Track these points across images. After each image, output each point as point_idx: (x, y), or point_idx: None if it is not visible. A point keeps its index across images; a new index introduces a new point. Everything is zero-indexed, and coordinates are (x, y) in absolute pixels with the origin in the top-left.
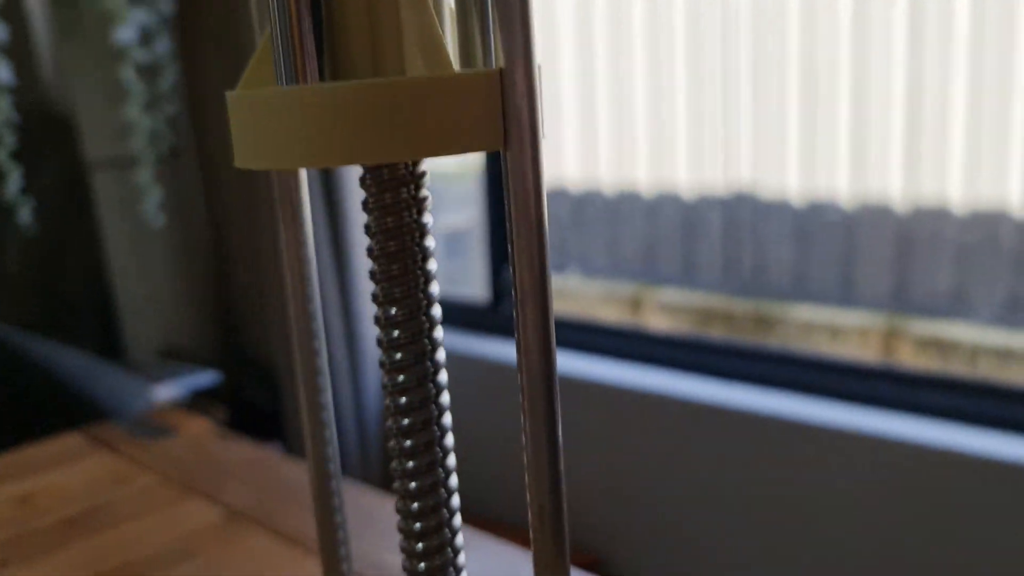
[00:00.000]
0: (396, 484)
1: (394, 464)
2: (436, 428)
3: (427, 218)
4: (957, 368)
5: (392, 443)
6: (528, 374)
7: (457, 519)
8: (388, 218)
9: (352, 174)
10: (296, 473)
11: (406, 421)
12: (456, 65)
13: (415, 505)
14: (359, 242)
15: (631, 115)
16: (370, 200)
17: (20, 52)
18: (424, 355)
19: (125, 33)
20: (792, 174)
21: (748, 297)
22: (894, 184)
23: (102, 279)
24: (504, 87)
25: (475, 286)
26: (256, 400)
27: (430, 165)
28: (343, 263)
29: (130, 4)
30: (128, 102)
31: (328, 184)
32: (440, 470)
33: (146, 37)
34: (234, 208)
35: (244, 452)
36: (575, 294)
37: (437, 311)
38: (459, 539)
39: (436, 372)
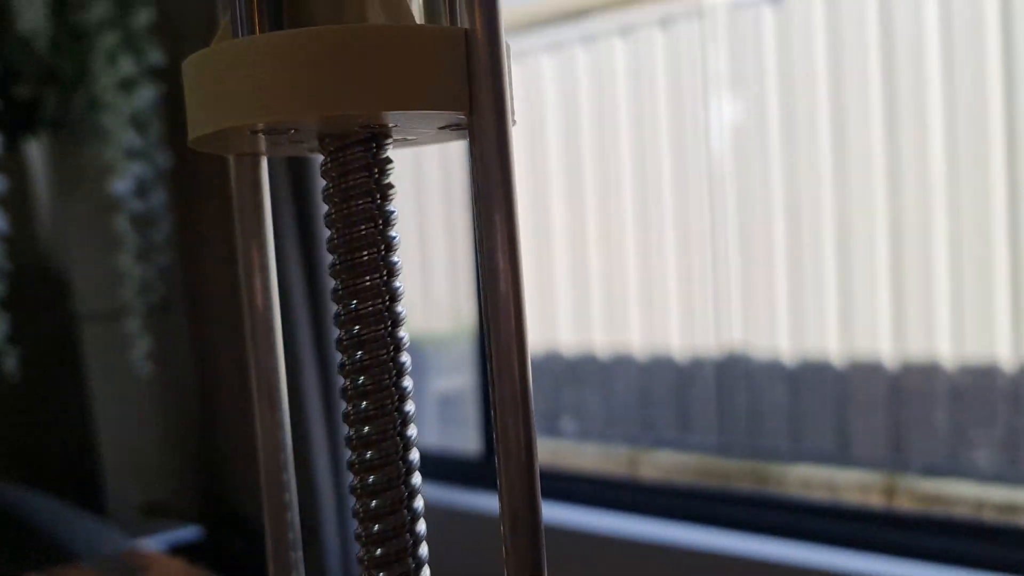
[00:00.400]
0: None
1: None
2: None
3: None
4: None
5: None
6: (511, 521)
7: None
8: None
9: None
10: None
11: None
12: (420, 20)
13: None
14: None
15: (622, 279)
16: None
17: (18, 203)
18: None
19: (121, 185)
20: (782, 333)
21: (744, 458)
22: (883, 341)
23: (86, 429)
24: (469, 48)
25: (468, 443)
26: (239, 557)
27: (417, 326)
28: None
29: (127, 157)
30: (121, 252)
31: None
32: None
33: (142, 189)
34: (222, 362)
35: None
36: (568, 456)
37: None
38: None
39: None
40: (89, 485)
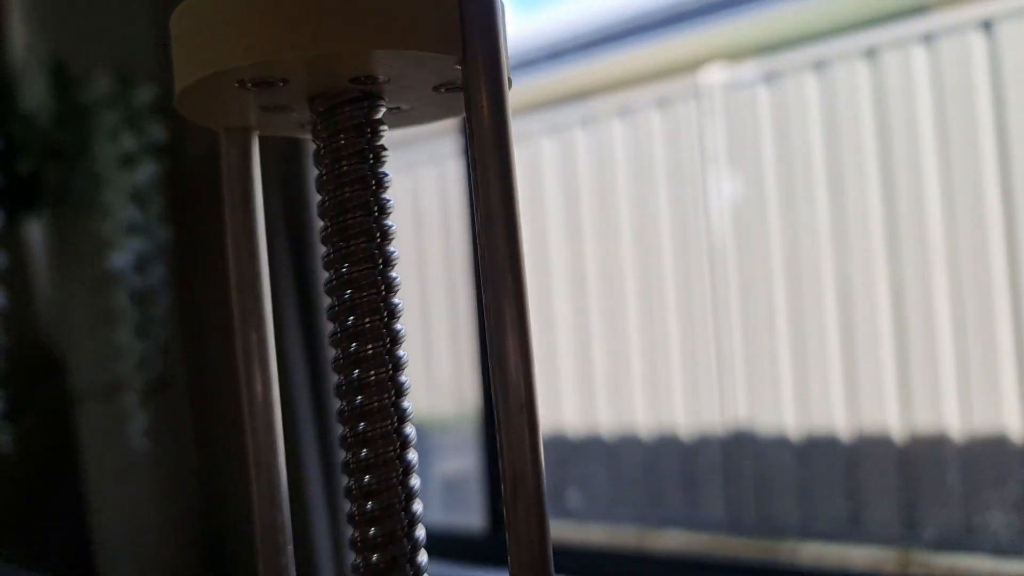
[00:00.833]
0: None
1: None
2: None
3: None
4: None
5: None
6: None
7: None
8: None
9: None
10: None
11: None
12: None
13: None
14: None
15: (626, 358)
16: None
17: (15, 279)
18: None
19: (121, 259)
20: (787, 409)
21: (754, 537)
22: (890, 413)
23: (80, 508)
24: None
25: (472, 520)
26: None
27: (422, 409)
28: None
29: (127, 232)
30: (119, 326)
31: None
32: None
33: (141, 263)
34: (222, 439)
35: None
36: (574, 535)
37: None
38: None
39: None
40: (83, 565)
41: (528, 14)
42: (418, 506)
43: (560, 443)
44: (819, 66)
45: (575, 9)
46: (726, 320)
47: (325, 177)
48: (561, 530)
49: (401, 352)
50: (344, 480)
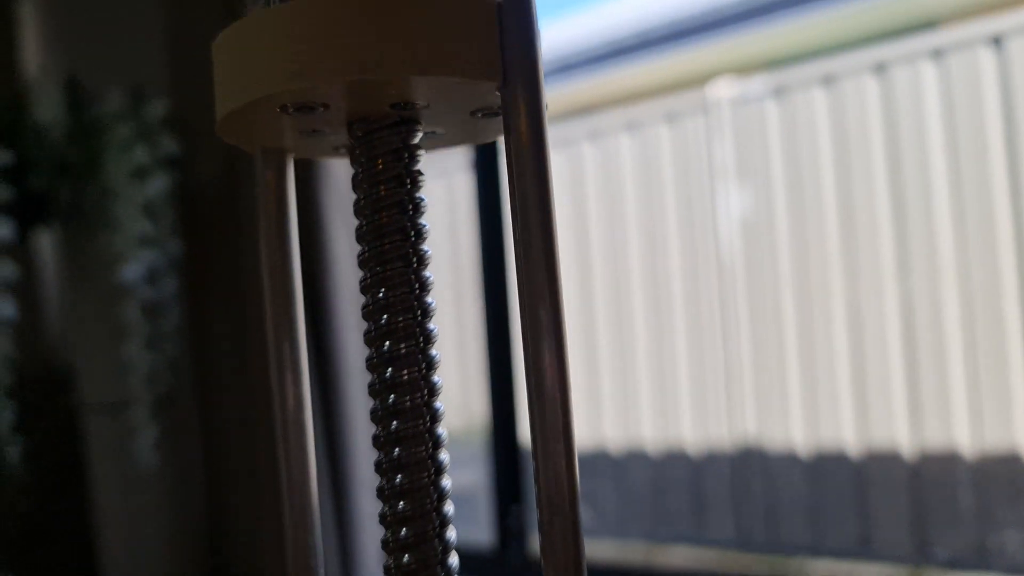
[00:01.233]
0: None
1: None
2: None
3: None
4: None
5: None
6: None
7: None
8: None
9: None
10: None
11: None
12: None
13: None
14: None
15: (634, 374)
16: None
17: (25, 291)
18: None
19: (131, 272)
20: (797, 426)
21: (763, 553)
22: (900, 430)
23: (88, 521)
24: (501, 18)
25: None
26: None
27: None
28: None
29: (139, 244)
30: (129, 340)
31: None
32: None
33: (152, 276)
34: (232, 454)
35: None
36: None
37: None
38: None
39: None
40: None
41: None
42: (449, 507)
43: None
44: (828, 81)
45: (584, 24)
46: (735, 335)
47: (363, 202)
48: None
49: (434, 352)
50: (378, 481)
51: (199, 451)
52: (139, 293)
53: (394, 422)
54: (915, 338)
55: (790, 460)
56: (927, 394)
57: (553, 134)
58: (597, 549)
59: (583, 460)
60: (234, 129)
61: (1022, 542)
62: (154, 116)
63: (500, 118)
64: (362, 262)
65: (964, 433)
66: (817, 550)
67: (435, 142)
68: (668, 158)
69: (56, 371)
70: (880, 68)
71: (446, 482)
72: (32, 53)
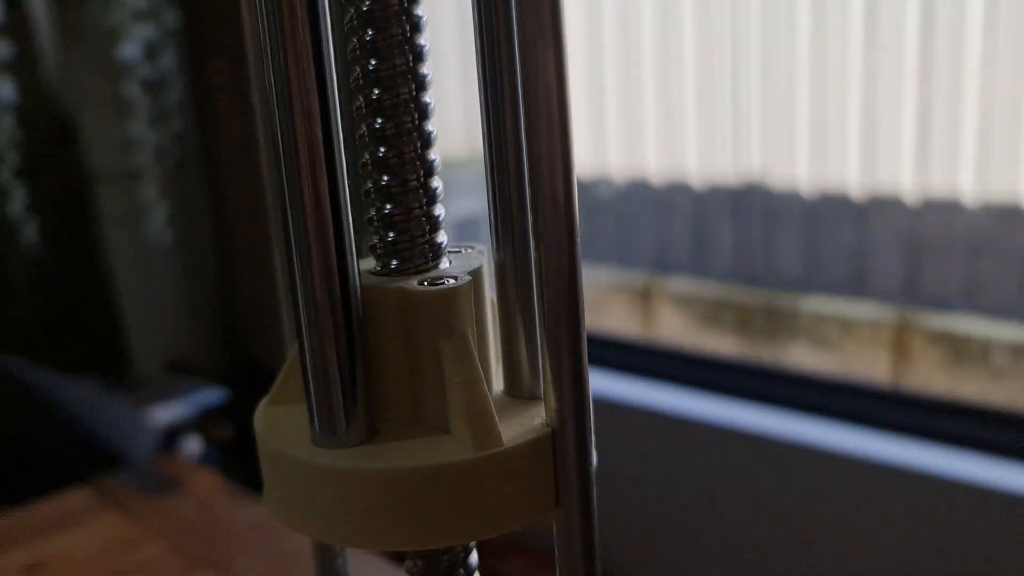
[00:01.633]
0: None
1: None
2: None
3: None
4: (969, 367)
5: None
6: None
7: None
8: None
9: None
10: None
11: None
12: (498, 385)
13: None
14: None
15: (640, 104)
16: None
17: (23, 69)
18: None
19: (129, 50)
20: (802, 164)
21: (759, 287)
22: (905, 176)
23: (106, 294)
24: (556, 451)
25: None
26: None
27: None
28: None
29: (135, 19)
30: (133, 118)
31: None
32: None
33: (151, 52)
34: (241, 220)
35: (252, 515)
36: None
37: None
38: None
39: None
40: (114, 349)
41: None
42: (443, 238)
43: None
44: None
45: None
46: (744, 65)
47: None
48: None
49: (425, 71)
50: (368, 212)
51: (209, 218)
52: (139, 71)
53: (381, 148)
54: (930, 82)
55: (792, 197)
56: (936, 139)
57: None
58: (597, 276)
59: (585, 187)
60: None
61: (1009, 288)
62: None
63: None
64: None
65: (968, 182)
66: (812, 286)
67: None
68: None
69: (62, 145)
70: None
71: (439, 211)
72: None
